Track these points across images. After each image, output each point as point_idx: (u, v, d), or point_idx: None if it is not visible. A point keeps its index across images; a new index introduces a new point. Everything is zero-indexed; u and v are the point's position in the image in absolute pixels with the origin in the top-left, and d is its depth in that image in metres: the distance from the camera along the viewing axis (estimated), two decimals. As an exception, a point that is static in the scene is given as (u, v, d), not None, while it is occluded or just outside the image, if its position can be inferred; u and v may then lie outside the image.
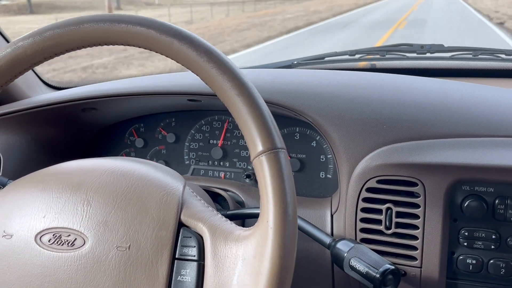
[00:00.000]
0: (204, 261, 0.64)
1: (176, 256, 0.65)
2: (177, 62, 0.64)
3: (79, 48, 0.67)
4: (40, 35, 0.66)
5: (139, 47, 0.65)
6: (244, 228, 0.63)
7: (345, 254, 0.77)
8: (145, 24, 0.63)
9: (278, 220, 0.57)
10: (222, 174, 1.12)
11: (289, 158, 1.01)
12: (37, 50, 0.66)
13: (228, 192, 1.01)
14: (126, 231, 0.65)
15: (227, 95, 0.61)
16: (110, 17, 0.64)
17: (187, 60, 0.62)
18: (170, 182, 0.70)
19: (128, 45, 0.65)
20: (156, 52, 0.65)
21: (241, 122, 0.61)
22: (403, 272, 0.84)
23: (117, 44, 0.66)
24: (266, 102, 0.93)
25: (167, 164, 1.15)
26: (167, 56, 0.64)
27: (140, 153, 1.18)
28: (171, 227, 0.65)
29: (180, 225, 0.66)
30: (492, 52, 1.34)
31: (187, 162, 1.15)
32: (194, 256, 0.64)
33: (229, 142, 1.11)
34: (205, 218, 0.66)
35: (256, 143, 0.59)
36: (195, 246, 0.65)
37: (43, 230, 0.67)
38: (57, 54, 0.68)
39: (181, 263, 0.65)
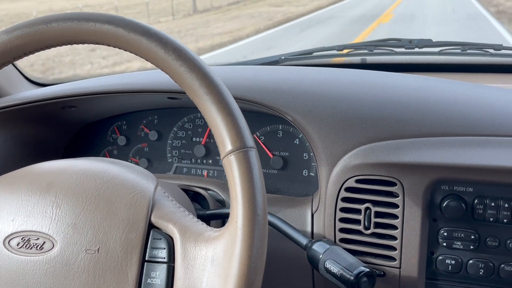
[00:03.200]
0: (174, 263, 0.63)
1: (146, 259, 0.64)
2: (147, 60, 0.63)
3: (48, 47, 0.66)
4: (8, 34, 0.65)
5: (109, 46, 0.64)
6: (215, 229, 0.63)
7: (321, 256, 0.77)
8: (113, 22, 0.62)
9: (247, 220, 0.56)
10: (205, 172, 1.11)
11: (271, 156, 1.02)
12: (4, 50, 0.65)
13: (208, 191, 1.00)
14: (95, 233, 0.64)
15: (196, 93, 0.60)
16: (78, 15, 0.63)
17: (156, 58, 0.61)
18: (141, 183, 0.69)
19: (97, 43, 0.64)
20: (126, 50, 0.64)
21: (210, 121, 0.60)
22: (382, 273, 0.83)
23: (86, 43, 0.65)
24: (245, 99, 0.92)
25: (149, 162, 1.14)
26: (136, 55, 0.63)
27: (123, 151, 1.17)
28: (141, 229, 0.64)
29: (150, 226, 0.65)
30: (480, 47, 1.32)
31: (169, 160, 1.13)
32: (164, 258, 0.64)
33: (212, 140, 1.10)
34: (175, 219, 0.65)
35: (225, 142, 0.59)
36: (165, 248, 0.64)
37: (11, 234, 0.67)
38: (26, 54, 0.67)
39: (151, 266, 0.64)
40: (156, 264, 0.64)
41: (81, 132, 1.18)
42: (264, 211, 0.58)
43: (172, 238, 0.64)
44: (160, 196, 0.69)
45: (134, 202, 0.66)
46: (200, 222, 0.65)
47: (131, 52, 0.63)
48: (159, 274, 0.63)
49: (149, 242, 0.64)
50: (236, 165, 0.58)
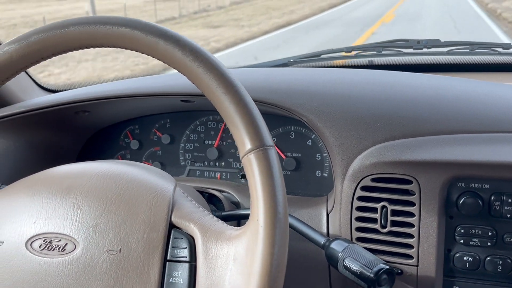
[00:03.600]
0: (195, 262, 0.64)
1: (168, 258, 0.65)
2: (164, 62, 0.63)
3: (65, 51, 0.67)
4: (26, 39, 0.65)
5: (125, 49, 0.64)
6: (235, 227, 0.63)
7: (339, 254, 0.77)
8: (130, 25, 0.62)
9: (268, 218, 0.57)
10: (218, 175, 1.11)
11: (284, 157, 1.02)
12: (23, 55, 0.66)
13: (223, 193, 1.00)
14: (117, 234, 0.65)
15: (214, 94, 0.61)
16: (95, 19, 0.64)
17: (173, 60, 0.62)
18: (160, 183, 0.70)
19: (114, 46, 0.65)
20: (142, 52, 0.64)
21: (229, 121, 0.60)
22: (400, 271, 0.83)
23: (103, 46, 0.66)
24: (259, 101, 0.93)
25: (162, 165, 1.15)
26: (153, 57, 0.64)
27: (136, 155, 1.17)
28: (162, 229, 0.65)
29: (171, 226, 0.66)
30: (489, 46, 1.32)
31: (182, 163, 1.14)
32: (186, 257, 0.64)
33: (224, 142, 1.11)
34: (196, 219, 0.65)
35: (244, 142, 0.59)
36: (186, 247, 0.64)
37: (33, 236, 0.67)
38: (43, 59, 0.67)
39: (172, 265, 0.64)
40: (178, 263, 0.64)
41: (94, 137, 1.19)
42: (285, 208, 0.58)
43: (193, 238, 0.65)
44: (179, 196, 0.69)
45: (154, 203, 0.66)
46: (220, 221, 0.65)
47: (148, 55, 0.64)
48: (181, 274, 0.64)
49: (170, 242, 0.65)
50: (256, 164, 0.58)
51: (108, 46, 0.65)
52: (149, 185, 0.69)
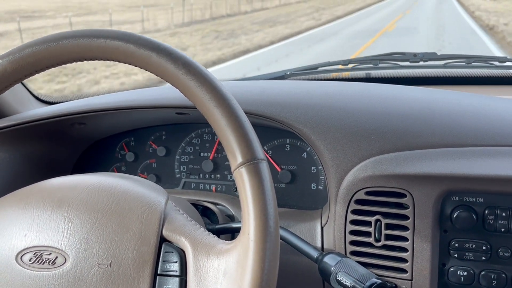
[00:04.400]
0: (186, 277, 0.63)
1: (158, 272, 0.64)
2: (156, 75, 0.63)
3: (59, 64, 0.67)
4: (20, 52, 0.66)
5: (119, 62, 0.65)
6: (226, 241, 0.63)
7: (332, 268, 0.76)
8: (123, 39, 0.62)
9: (259, 232, 0.56)
10: (213, 187, 1.11)
11: (279, 170, 1.02)
12: (16, 68, 0.66)
13: (218, 206, 1.00)
14: (107, 247, 0.64)
15: (206, 106, 0.61)
16: (88, 32, 0.64)
17: (166, 73, 0.62)
18: (152, 196, 0.69)
19: (107, 59, 0.65)
20: (135, 66, 0.64)
21: (220, 134, 0.60)
22: (394, 285, 0.82)
23: (96, 59, 0.66)
24: (255, 114, 0.93)
25: (157, 177, 1.15)
26: (146, 70, 0.64)
27: (131, 167, 1.17)
28: (153, 243, 0.65)
29: (162, 240, 0.65)
30: (485, 60, 1.33)
31: (178, 176, 1.14)
32: (176, 271, 0.64)
33: (219, 155, 1.11)
34: (187, 232, 0.65)
35: (235, 155, 0.59)
36: (177, 261, 0.64)
37: (24, 249, 0.67)
38: (37, 71, 0.68)
39: (163, 279, 0.64)
40: (168, 277, 0.64)
41: (90, 149, 1.19)
42: (276, 222, 0.58)
43: (184, 252, 0.64)
44: (171, 209, 0.69)
45: (145, 216, 0.66)
46: (212, 235, 0.65)
47: (141, 68, 0.64)
48: None
49: (161, 256, 0.65)
50: (247, 177, 0.58)
51: (102, 59, 0.66)
52: (141, 198, 0.68)
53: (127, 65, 0.65)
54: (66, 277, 0.64)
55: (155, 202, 0.68)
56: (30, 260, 0.66)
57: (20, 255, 0.67)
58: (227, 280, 0.59)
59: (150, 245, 0.64)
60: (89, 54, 0.64)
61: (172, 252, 0.64)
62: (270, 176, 0.59)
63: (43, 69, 0.67)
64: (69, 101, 1.20)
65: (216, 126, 0.60)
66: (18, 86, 1.22)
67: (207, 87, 0.60)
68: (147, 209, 0.67)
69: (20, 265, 0.66)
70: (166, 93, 1.04)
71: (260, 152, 0.59)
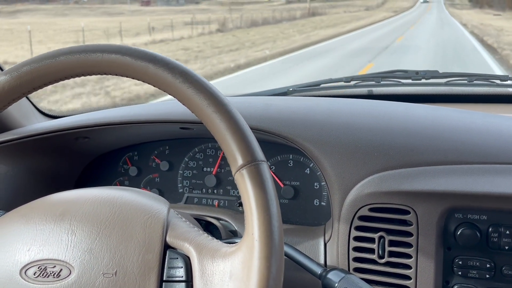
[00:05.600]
0: (192, 281, 0.64)
1: (164, 279, 0.64)
2: (154, 86, 0.64)
3: (57, 81, 0.68)
4: (17, 71, 0.66)
5: (116, 75, 0.65)
6: (231, 244, 0.63)
7: (336, 285, 0.76)
8: (120, 52, 0.63)
9: (263, 231, 0.57)
10: (216, 202, 1.11)
11: (282, 185, 1.02)
12: (14, 86, 0.67)
13: (220, 221, 1.00)
14: (112, 257, 0.65)
15: (204, 113, 0.61)
16: (85, 47, 0.65)
17: (164, 83, 0.63)
18: (154, 205, 0.70)
19: (105, 73, 0.66)
20: (133, 78, 0.65)
21: (220, 139, 0.61)
22: None
23: (94, 74, 0.67)
24: (258, 129, 0.93)
25: (160, 192, 1.15)
26: (143, 81, 0.65)
27: (134, 182, 1.17)
28: (157, 250, 0.65)
29: (166, 247, 0.66)
30: (487, 78, 1.34)
31: (180, 190, 1.14)
32: (182, 276, 0.64)
33: (223, 170, 1.11)
34: (190, 238, 0.65)
35: (236, 158, 0.60)
36: (182, 267, 0.64)
37: (28, 264, 0.67)
38: (35, 89, 0.68)
39: (169, 285, 0.64)
40: (174, 283, 0.64)
41: (93, 163, 1.19)
42: (279, 221, 0.58)
43: (188, 257, 0.65)
44: (173, 217, 0.69)
45: (148, 224, 0.66)
46: (215, 239, 0.65)
47: (138, 79, 0.65)
48: None
49: (166, 262, 0.65)
50: (249, 179, 0.59)
51: (99, 74, 0.66)
52: (143, 207, 0.69)
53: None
54: None
55: (158, 210, 0.69)
56: (34, 274, 0.66)
57: (24, 270, 0.66)
58: (233, 282, 0.59)
59: (154, 253, 0.65)
60: (87, 69, 0.65)
61: (177, 258, 0.65)
62: (271, 177, 0.60)
63: (41, 87, 0.68)
64: (73, 115, 1.20)
65: (216, 131, 0.61)
66: (22, 99, 1.23)
67: (204, 94, 0.61)
68: (150, 217, 0.67)
69: (25, 280, 0.66)
70: (170, 107, 1.05)
71: (260, 154, 0.60)
